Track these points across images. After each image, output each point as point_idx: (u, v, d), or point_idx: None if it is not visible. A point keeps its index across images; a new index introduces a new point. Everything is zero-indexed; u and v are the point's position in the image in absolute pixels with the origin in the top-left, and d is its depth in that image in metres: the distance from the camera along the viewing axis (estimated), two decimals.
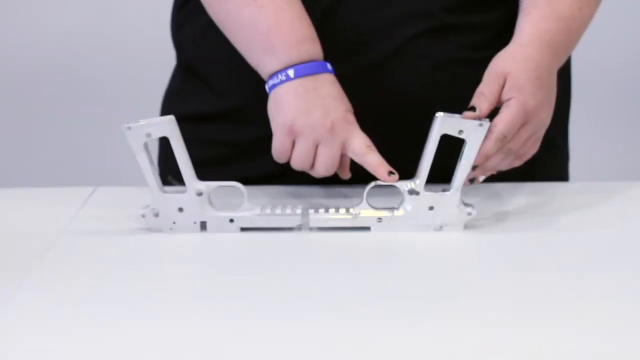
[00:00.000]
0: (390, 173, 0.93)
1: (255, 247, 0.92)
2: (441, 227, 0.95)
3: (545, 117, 0.97)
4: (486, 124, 0.92)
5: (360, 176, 1.02)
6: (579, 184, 1.12)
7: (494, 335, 0.72)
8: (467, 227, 0.95)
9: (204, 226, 0.95)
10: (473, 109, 0.93)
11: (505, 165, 0.98)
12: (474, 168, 0.93)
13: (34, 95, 2.15)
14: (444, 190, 0.94)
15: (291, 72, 0.95)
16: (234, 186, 0.94)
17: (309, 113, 0.94)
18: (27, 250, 0.91)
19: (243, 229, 0.96)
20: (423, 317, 0.76)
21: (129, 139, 0.92)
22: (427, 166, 0.93)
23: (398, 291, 0.81)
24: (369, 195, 0.95)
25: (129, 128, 0.91)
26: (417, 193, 0.94)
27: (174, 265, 0.88)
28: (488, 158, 0.93)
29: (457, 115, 0.92)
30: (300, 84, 0.95)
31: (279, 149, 0.96)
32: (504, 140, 0.93)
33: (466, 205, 0.95)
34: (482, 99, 0.94)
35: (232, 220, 0.95)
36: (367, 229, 0.95)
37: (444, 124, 0.92)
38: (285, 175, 1.09)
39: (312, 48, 0.97)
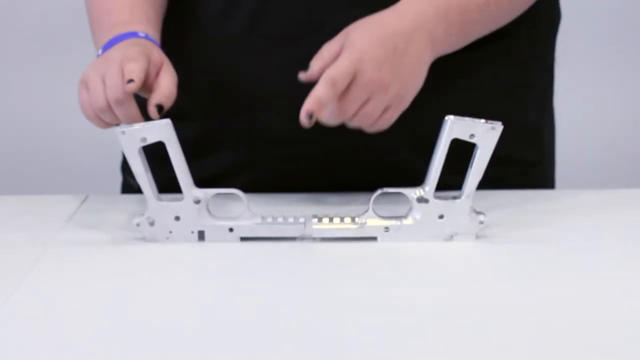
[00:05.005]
0: None
1: (255, 257, 0.90)
2: (451, 237, 0.93)
3: (397, 90, 0.94)
4: (498, 127, 0.90)
5: (364, 182, 1.02)
6: (590, 191, 1.11)
7: (507, 350, 0.71)
8: (478, 236, 0.94)
9: (201, 235, 0.93)
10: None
11: (353, 125, 0.95)
12: (311, 117, 0.90)
13: (29, 97, 2.13)
14: (454, 198, 0.92)
15: (100, 52, 0.98)
16: (233, 193, 0.92)
17: (94, 63, 0.95)
18: (17, 260, 0.90)
19: (243, 239, 0.94)
20: (433, 330, 0.74)
21: (123, 144, 0.91)
22: (437, 172, 0.91)
23: (406, 304, 0.79)
24: (375, 202, 0.92)
25: (123, 132, 0.90)
26: (426, 200, 0.92)
27: (169, 276, 0.87)
28: (319, 102, 0.89)
29: (467, 118, 0.90)
30: (102, 55, 0.97)
31: (81, 102, 0.95)
32: (334, 84, 0.90)
33: (477, 213, 0.93)
34: (319, 57, 0.93)
35: (231, 229, 0.93)
36: (374, 238, 0.93)
37: (453, 127, 0.90)
38: (235, 176, 1.07)
39: (125, 29, 0.98)
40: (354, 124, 0.95)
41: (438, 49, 0.98)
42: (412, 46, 0.94)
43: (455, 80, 1.04)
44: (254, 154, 1.07)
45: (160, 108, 0.92)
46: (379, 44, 0.92)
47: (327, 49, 0.94)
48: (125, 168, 1.18)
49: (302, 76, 0.93)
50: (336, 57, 0.92)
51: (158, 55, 0.95)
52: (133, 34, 0.98)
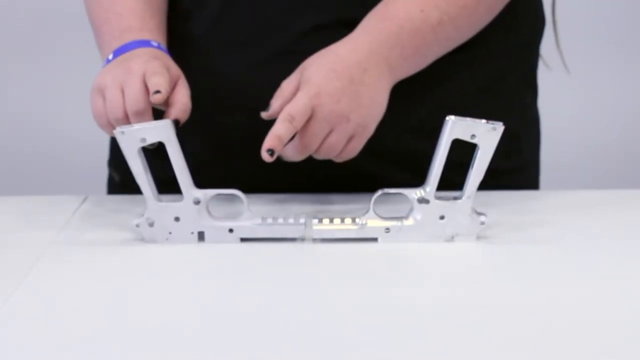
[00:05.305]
0: None
1: (255, 258, 0.90)
2: (452, 237, 0.92)
3: (359, 119, 0.94)
4: (499, 127, 0.89)
5: (365, 184, 1.02)
6: (590, 191, 1.11)
7: (507, 351, 0.70)
8: (479, 237, 0.93)
9: (201, 236, 0.93)
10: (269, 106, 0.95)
11: (319, 157, 0.96)
12: (272, 153, 0.90)
13: (29, 97, 2.12)
14: (455, 198, 0.91)
15: (110, 56, 0.97)
16: (233, 194, 0.92)
17: (110, 70, 0.94)
18: (16, 261, 0.89)
19: (243, 239, 0.93)
20: (433, 331, 0.73)
21: (122, 144, 0.90)
22: (438, 173, 0.90)
23: (407, 305, 0.78)
24: (375, 203, 0.92)
25: (122, 132, 0.89)
26: (427, 201, 0.91)
27: (169, 277, 0.86)
28: (279, 138, 0.90)
29: (468, 119, 0.89)
30: (115, 60, 0.96)
31: (95, 110, 0.94)
32: (292, 120, 0.90)
33: (478, 214, 0.92)
34: (278, 95, 0.95)
35: (231, 230, 0.93)
36: (374, 239, 0.93)
37: (454, 127, 0.89)
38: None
39: (137, 36, 0.98)
40: (319, 156, 0.95)
41: (395, 74, 0.98)
42: (369, 75, 0.95)
43: (425, 90, 1.04)
44: (215, 155, 1.07)
45: (177, 123, 0.92)
46: (335, 77, 0.93)
47: (286, 86, 0.95)
48: (111, 162, 1.18)
49: (264, 115, 0.94)
50: (295, 93, 0.93)
51: (175, 69, 0.96)
52: (146, 43, 0.98)
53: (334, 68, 0.94)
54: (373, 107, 0.95)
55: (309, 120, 0.92)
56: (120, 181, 1.15)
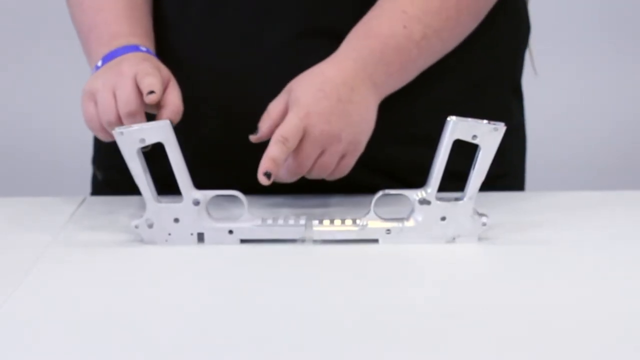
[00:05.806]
0: None
1: (255, 260, 0.90)
2: (454, 239, 0.92)
3: (350, 138, 0.94)
4: (501, 128, 0.89)
5: (366, 184, 1.02)
6: (590, 192, 1.11)
7: (510, 352, 0.70)
8: (481, 238, 0.93)
9: (201, 237, 0.93)
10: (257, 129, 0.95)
11: (312, 177, 0.96)
12: (269, 176, 0.90)
13: (27, 98, 2.12)
14: (456, 199, 0.91)
15: (99, 62, 0.98)
16: (233, 195, 0.91)
17: (100, 75, 0.94)
18: (16, 261, 0.89)
19: (243, 241, 0.93)
20: (435, 333, 0.73)
21: (121, 145, 0.90)
22: (439, 174, 0.90)
23: (408, 307, 0.78)
24: (376, 204, 0.91)
25: (121, 133, 0.89)
26: (428, 202, 0.91)
27: (168, 279, 0.86)
28: (274, 161, 0.90)
29: (469, 119, 0.89)
30: (105, 66, 0.97)
31: (86, 115, 0.95)
32: (286, 142, 0.90)
33: (480, 215, 0.92)
34: (266, 117, 0.95)
35: (231, 232, 0.92)
36: (375, 241, 0.92)
37: (456, 128, 0.89)
38: None
39: (126, 41, 0.98)
40: (312, 176, 0.95)
41: (381, 91, 0.98)
42: (356, 93, 0.95)
43: (410, 98, 1.04)
44: (196, 164, 1.05)
45: None
46: (323, 97, 0.93)
47: (273, 108, 0.95)
48: (95, 160, 1.18)
49: (252, 138, 0.94)
50: (283, 115, 0.93)
51: (165, 71, 0.96)
52: (135, 47, 0.98)
53: (322, 88, 0.94)
54: (363, 124, 0.95)
55: (301, 141, 0.92)
56: (104, 179, 1.14)
